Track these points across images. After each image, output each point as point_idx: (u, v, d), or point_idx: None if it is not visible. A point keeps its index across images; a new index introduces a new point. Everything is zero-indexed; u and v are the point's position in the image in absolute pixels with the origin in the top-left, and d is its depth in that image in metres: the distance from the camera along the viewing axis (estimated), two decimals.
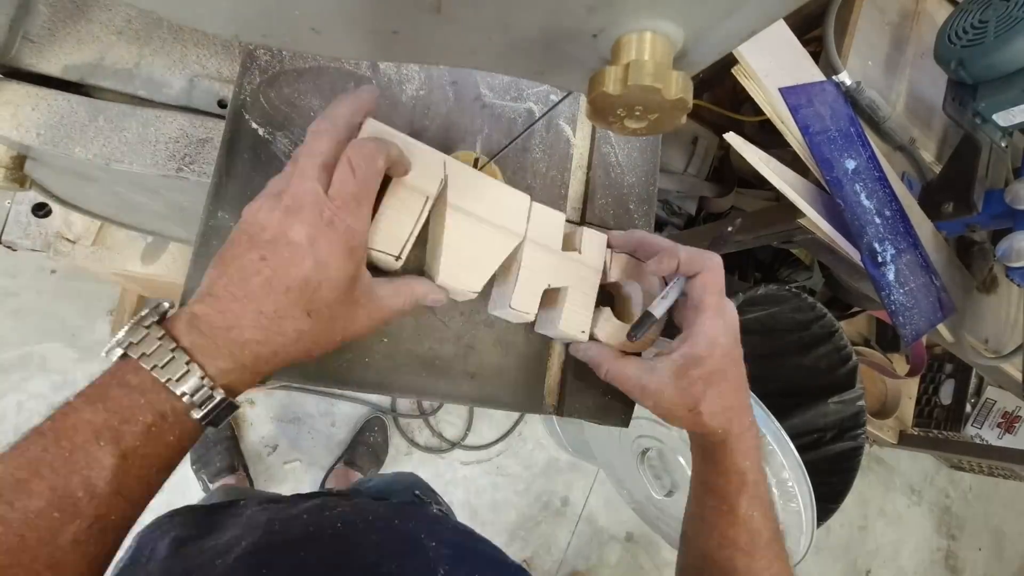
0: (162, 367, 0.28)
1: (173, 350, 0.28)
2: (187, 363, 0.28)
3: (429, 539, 0.41)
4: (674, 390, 0.38)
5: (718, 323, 0.38)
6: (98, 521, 0.26)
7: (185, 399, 0.28)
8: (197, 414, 0.29)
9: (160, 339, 0.28)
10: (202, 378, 0.28)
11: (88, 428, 0.26)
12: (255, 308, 0.29)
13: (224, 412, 0.30)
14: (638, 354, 0.43)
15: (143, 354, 0.28)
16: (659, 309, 0.41)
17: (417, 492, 0.67)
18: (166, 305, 0.30)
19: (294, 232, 0.29)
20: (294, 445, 1.36)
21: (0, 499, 0.24)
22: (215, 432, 1.23)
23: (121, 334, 0.28)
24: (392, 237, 0.35)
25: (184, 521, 0.47)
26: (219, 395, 0.29)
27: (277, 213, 0.30)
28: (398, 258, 0.36)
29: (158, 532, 0.46)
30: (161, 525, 0.48)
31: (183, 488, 1.23)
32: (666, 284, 0.42)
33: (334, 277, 0.30)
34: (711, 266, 0.39)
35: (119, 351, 0.28)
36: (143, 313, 0.29)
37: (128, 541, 0.42)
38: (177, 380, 0.28)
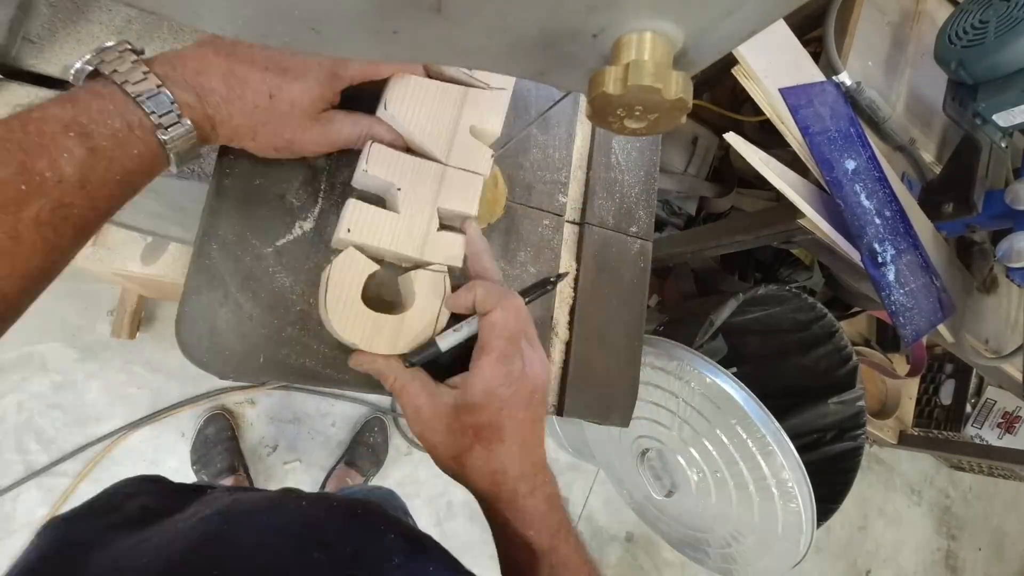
0: (133, 83, 0.28)
1: (146, 73, 0.28)
2: (158, 86, 0.28)
3: (388, 530, 0.40)
4: (444, 429, 0.35)
5: (498, 371, 0.34)
6: (61, 208, 0.26)
7: (153, 117, 0.28)
8: (163, 135, 0.29)
9: (133, 62, 0.28)
10: (172, 103, 0.29)
11: (57, 121, 0.26)
12: (226, 66, 0.31)
13: (188, 146, 0.30)
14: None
15: (115, 70, 0.28)
16: (445, 342, 0.37)
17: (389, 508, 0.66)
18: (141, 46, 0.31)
19: None
20: (294, 445, 1.35)
21: None
22: (215, 433, 1.23)
23: (90, 55, 0.29)
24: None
25: (155, 490, 0.47)
26: (186, 123, 0.29)
27: None
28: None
29: (130, 490, 0.46)
30: (133, 484, 0.48)
31: None
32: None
33: (310, 86, 0.32)
34: (504, 305, 0.35)
35: (89, 68, 0.29)
36: (113, 43, 0.29)
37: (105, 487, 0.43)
38: (147, 97, 0.28)
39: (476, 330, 0.37)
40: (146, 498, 0.45)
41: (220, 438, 1.24)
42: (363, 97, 0.37)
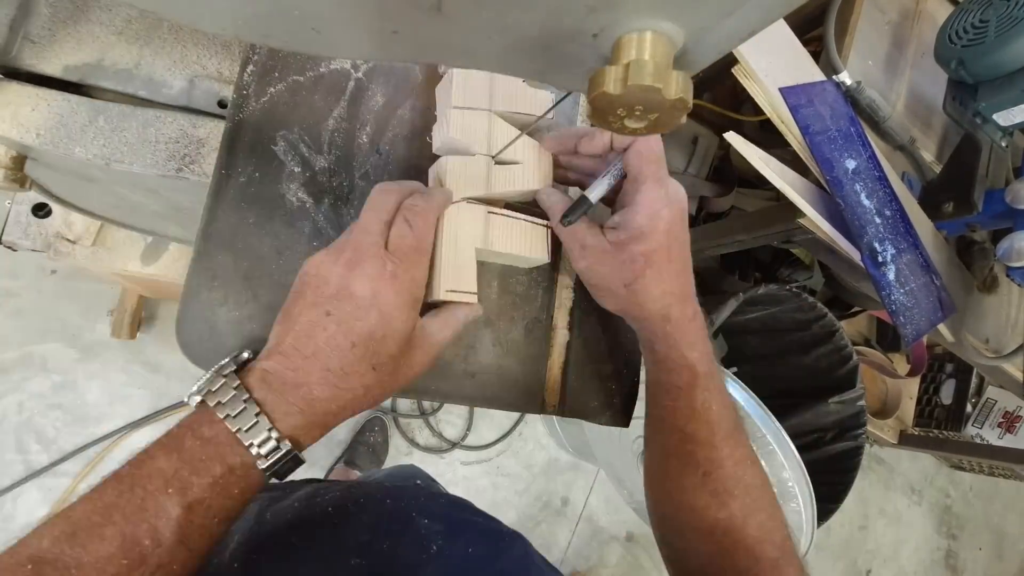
0: (235, 417, 0.28)
1: (246, 401, 0.29)
2: (257, 415, 0.29)
3: (421, 516, 0.41)
4: (613, 261, 0.37)
5: (659, 193, 0.35)
6: (160, 570, 0.27)
7: (253, 450, 0.29)
8: (263, 464, 0.29)
9: (235, 388, 0.29)
10: (270, 430, 0.29)
11: (160, 477, 0.27)
12: (322, 366, 0.30)
13: (289, 465, 0.30)
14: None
15: (219, 402, 0.29)
16: (595, 192, 0.37)
17: (418, 481, 0.67)
18: (245, 356, 0.32)
19: (357, 286, 0.30)
20: None
21: (76, 542, 0.25)
22: None
23: (201, 381, 0.30)
24: (463, 278, 0.36)
25: None
26: (285, 447, 0.29)
27: (339, 268, 0.31)
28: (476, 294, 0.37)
29: None
30: None
31: None
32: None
33: (398, 329, 0.31)
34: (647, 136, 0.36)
35: (198, 398, 0.30)
36: (222, 363, 0.31)
37: None
38: (247, 431, 0.28)
39: (620, 174, 0.38)
40: None
41: None
42: None
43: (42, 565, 0.25)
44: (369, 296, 0.30)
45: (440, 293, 0.35)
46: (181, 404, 1.24)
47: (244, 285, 0.36)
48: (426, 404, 1.49)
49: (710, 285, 1.29)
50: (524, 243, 0.40)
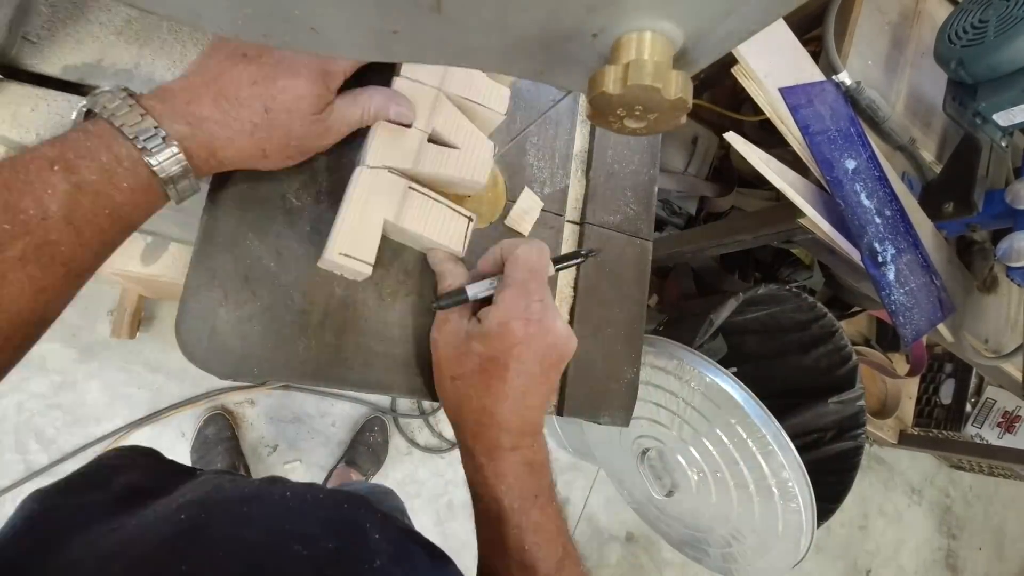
0: (119, 115, 0.29)
1: (131, 105, 0.29)
2: (142, 115, 0.29)
3: (373, 530, 0.39)
4: (455, 348, 0.36)
5: (517, 303, 0.34)
6: (47, 245, 0.26)
7: (138, 143, 0.29)
8: (149, 159, 0.29)
9: (122, 98, 0.29)
10: (156, 128, 0.29)
11: (44, 158, 0.27)
12: (217, 90, 0.31)
13: (180, 171, 0.30)
14: None
15: (104, 106, 0.29)
16: (473, 289, 0.37)
17: (386, 504, 0.67)
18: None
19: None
20: (294, 445, 1.36)
21: None
22: (215, 433, 1.23)
23: (86, 98, 0.30)
24: (362, 245, 0.36)
25: (145, 466, 0.46)
26: (173, 147, 0.29)
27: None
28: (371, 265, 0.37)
29: (119, 462, 0.45)
30: (123, 456, 0.47)
31: None
32: None
33: (301, 86, 0.32)
34: (530, 243, 0.36)
35: (84, 109, 0.30)
36: (110, 87, 0.30)
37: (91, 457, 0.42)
38: (132, 126, 0.29)
39: None
40: (135, 474, 0.43)
41: (220, 438, 1.24)
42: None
43: None
44: (286, 53, 0.31)
45: (333, 255, 0.35)
46: (181, 404, 1.25)
47: (244, 285, 0.36)
48: (426, 404, 1.49)
49: (710, 285, 1.29)
50: (439, 228, 0.39)
